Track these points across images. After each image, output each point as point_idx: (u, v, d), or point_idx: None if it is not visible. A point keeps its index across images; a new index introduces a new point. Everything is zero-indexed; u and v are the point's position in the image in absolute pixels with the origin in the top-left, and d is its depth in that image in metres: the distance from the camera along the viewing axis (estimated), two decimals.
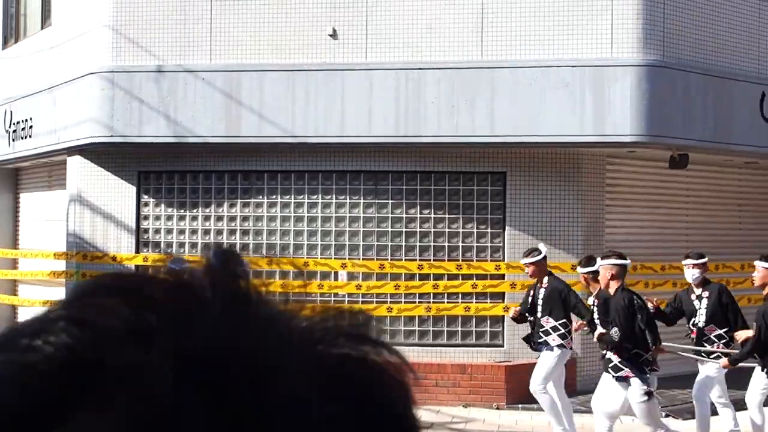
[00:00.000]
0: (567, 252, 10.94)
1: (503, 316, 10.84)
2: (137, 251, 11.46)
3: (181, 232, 11.46)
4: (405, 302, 10.92)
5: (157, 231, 11.54)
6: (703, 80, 10.91)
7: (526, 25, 10.57)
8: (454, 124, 10.38)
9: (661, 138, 10.51)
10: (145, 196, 11.53)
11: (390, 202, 11.00)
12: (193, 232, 11.41)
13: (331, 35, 10.79)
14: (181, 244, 11.46)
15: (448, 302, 10.90)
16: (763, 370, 7.93)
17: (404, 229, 10.99)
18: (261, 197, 11.21)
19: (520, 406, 10.26)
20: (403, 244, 10.97)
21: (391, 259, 10.94)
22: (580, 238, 10.98)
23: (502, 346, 10.76)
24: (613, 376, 7.67)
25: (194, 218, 11.41)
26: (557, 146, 10.63)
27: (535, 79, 10.30)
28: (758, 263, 8.04)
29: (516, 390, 10.20)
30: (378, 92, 10.49)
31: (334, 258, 11.01)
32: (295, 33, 10.86)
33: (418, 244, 10.90)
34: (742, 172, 13.05)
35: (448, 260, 10.88)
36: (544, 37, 10.54)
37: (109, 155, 11.52)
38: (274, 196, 11.17)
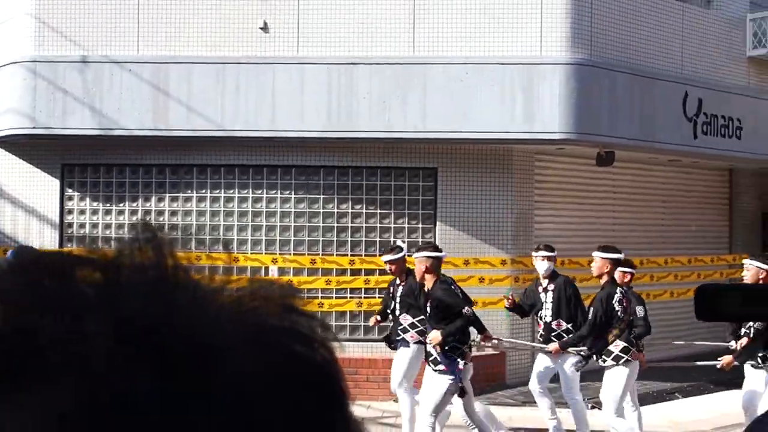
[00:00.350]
0: (497, 247, 11.06)
1: None
2: (61, 246, 11.15)
3: (107, 226, 11.20)
4: (336, 297, 10.89)
5: (81, 225, 11.25)
6: (629, 79, 11.14)
7: (458, 23, 10.63)
8: (386, 120, 10.38)
9: (589, 136, 10.69)
10: (70, 190, 11.23)
11: (321, 197, 10.94)
12: (119, 226, 11.16)
13: (262, 28, 10.67)
14: (107, 239, 11.20)
15: (379, 297, 10.88)
16: (591, 357, 7.92)
17: (335, 225, 10.95)
18: (190, 191, 11.02)
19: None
20: (335, 239, 10.94)
21: (322, 255, 10.89)
22: (510, 234, 11.10)
23: None
24: (433, 369, 7.55)
25: (120, 212, 11.16)
26: (487, 143, 10.72)
27: (466, 76, 10.37)
28: (596, 254, 7.96)
29: None
30: (309, 86, 10.42)
31: (265, 253, 10.91)
32: (225, 25, 10.71)
33: (349, 239, 10.88)
34: (666, 169, 13.38)
35: (379, 255, 10.87)
36: (475, 35, 10.62)
37: (31, 147, 11.17)
38: (203, 191, 11.01)
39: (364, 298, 10.87)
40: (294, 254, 10.88)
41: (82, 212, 11.24)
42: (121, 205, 11.14)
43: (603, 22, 11.07)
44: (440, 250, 7.79)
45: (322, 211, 10.94)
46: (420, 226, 11.00)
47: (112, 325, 0.43)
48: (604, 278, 7.87)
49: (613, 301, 7.73)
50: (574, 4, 10.71)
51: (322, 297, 10.86)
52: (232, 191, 10.97)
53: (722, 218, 14.45)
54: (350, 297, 10.88)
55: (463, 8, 10.64)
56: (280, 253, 10.92)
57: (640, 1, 11.58)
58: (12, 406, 0.42)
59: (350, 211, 10.95)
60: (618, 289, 7.82)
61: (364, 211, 10.95)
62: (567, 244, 11.87)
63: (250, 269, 10.83)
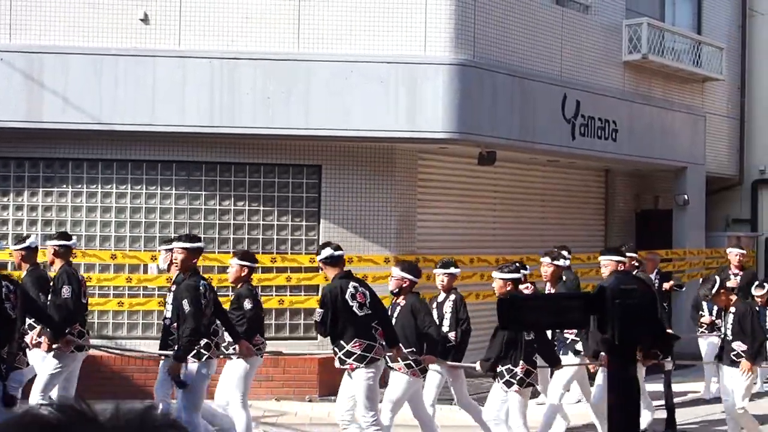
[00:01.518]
0: (381, 245, 11.13)
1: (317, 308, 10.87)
2: None
3: None
4: (219, 295, 10.71)
5: None
6: (511, 81, 11.40)
7: (343, 20, 10.63)
8: (269, 116, 10.29)
9: (471, 135, 10.88)
10: None
11: (203, 193, 10.76)
12: None
13: (142, 19, 10.40)
14: None
15: (261, 295, 10.76)
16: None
17: (218, 221, 10.79)
18: (65, 186, 10.65)
19: (332, 398, 10.31)
20: (217, 236, 10.77)
21: (204, 252, 10.69)
22: (393, 231, 11.19)
23: (316, 338, 10.79)
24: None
25: None
26: (371, 140, 10.77)
27: (351, 74, 10.39)
28: (176, 244, 7.52)
29: (328, 382, 10.27)
30: (191, 80, 10.23)
31: (144, 250, 10.64)
32: (104, 15, 10.39)
33: (231, 236, 10.74)
34: (546, 169, 13.76)
35: (262, 253, 10.78)
36: (359, 33, 10.65)
37: None
38: (79, 186, 10.65)
39: None
40: None
41: None
42: None
43: (486, 23, 11.28)
44: (70, 238, 7.69)
45: (203, 207, 10.76)
46: (304, 223, 10.96)
47: None
48: (176, 269, 7.47)
49: (198, 293, 7.27)
50: (458, 6, 10.87)
51: None
52: (110, 186, 10.66)
53: (599, 217, 14.98)
54: (230, 294, 10.72)
55: (348, 6, 10.65)
56: (159, 250, 10.66)
57: (521, 5, 11.86)
58: None
59: (233, 208, 10.81)
60: (202, 282, 7.42)
61: (246, 208, 10.83)
62: (449, 242, 12.07)
63: (128, 267, 10.55)
